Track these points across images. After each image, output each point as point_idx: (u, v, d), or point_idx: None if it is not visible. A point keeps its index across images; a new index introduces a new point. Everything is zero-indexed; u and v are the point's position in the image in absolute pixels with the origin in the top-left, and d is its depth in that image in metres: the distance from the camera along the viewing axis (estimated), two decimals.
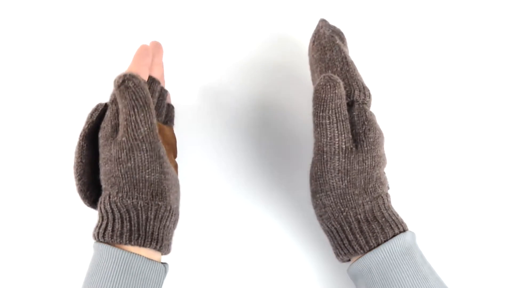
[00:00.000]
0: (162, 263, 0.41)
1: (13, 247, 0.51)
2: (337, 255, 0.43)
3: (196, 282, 0.49)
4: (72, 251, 0.50)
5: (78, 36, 0.58)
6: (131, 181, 0.39)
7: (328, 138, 0.41)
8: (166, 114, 0.49)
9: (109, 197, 0.39)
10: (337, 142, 0.41)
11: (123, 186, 0.39)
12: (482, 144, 0.55)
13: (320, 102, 0.40)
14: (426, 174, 0.53)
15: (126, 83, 0.38)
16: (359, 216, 0.41)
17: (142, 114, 0.38)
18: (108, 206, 0.39)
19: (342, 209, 0.41)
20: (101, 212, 0.40)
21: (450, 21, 0.59)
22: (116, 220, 0.39)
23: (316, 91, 0.40)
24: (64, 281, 0.50)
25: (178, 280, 0.49)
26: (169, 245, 0.42)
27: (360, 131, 0.42)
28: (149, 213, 0.39)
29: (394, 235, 0.40)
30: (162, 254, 0.42)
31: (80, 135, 0.42)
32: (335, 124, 0.41)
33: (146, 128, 0.39)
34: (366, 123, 0.42)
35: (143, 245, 0.39)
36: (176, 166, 0.47)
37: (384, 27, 0.59)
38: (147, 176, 0.39)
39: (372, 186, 0.41)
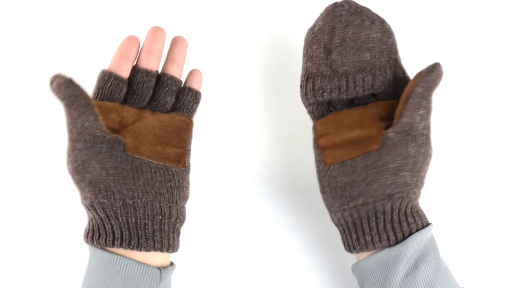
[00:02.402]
0: (160, 267, 0.40)
1: (12, 248, 0.51)
2: (364, 244, 0.41)
3: (197, 284, 0.50)
4: (71, 252, 0.50)
5: (78, 38, 0.57)
6: (75, 182, 0.40)
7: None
8: (175, 102, 0.46)
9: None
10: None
11: (76, 187, 0.40)
12: (483, 145, 0.54)
13: (436, 82, 0.41)
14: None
15: (52, 85, 0.39)
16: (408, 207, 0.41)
17: (70, 114, 0.38)
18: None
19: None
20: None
21: (453, 21, 0.58)
22: (88, 223, 0.40)
23: (437, 68, 0.41)
24: (63, 283, 0.50)
25: (180, 282, 0.49)
26: (147, 239, 0.40)
27: None
28: (99, 212, 0.39)
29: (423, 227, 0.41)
30: (144, 251, 0.40)
31: None
32: None
33: (78, 126, 0.38)
34: None
35: (106, 245, 0.39)
36: (169, 156, 0.44)
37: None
38: (87, 175, 0.39)
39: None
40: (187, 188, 0.44)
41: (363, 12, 0.44)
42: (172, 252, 0.41)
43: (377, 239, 0.40)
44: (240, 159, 0.53)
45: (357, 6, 0.45)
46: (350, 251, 0.43)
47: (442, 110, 0.53)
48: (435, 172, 0.49)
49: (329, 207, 0.44)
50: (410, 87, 0.41)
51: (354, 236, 0.42)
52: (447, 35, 0.57)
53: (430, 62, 0.53)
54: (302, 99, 0.46)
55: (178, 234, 0.42)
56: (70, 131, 0.39)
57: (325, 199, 0.44)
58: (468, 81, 0.55)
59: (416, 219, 0.40)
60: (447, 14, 0.57)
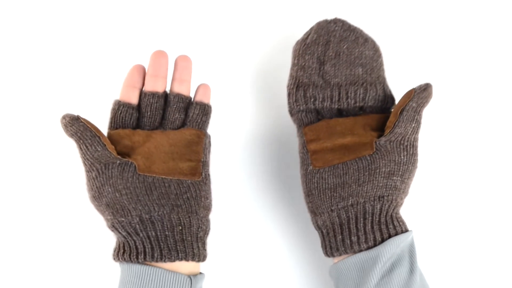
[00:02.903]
0: (190, 275, 0.42)
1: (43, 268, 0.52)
2: (349, 245, 0.42)
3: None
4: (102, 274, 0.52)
5: (81, 41, 0.57)
6: (97, 208, 0.43)
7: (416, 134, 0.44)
8: (185, 118, 0.47)
9: None
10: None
11: (99, 213, 0.44)
12: (479, 146, 0.55)
13: (427, 99, 0.44)
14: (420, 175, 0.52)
15: (61, 126, 0.42)
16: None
17: (81, 148, 0.42)
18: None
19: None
20: None
21: (451, 24, 0.58)
22: (116, 243, 0.43)
23: (430, 87, 0.44)
24: None
25: None
26: (169, 250, 0.41)
27: None
28: (120, 231, 0.42)
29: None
30: (168, 261, 0.41)
31: None
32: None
33: (89, 158, 0.42)
34: None
35: (131, 261, 0.41)
36: (183, 170, 0.45)
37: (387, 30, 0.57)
38: (104, 200, 0.42)
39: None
40: (207, 198, 0.46)
41: (356, 30, 0.47)
42: (199, 261, 0.43)
43: (363, 240, 0.41)
44: (243, 162, 0.54)
45: (349, 25, 0.47)
46: (332, 255, 0.43)
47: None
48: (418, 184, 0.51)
49: (313, 209, 0.45)
50: (402, 101, 0.44)
51: (339, 237, 0.43)
52: (431, 55, 0.57)
53: (409, 79, 0.53)
54: (290, 106, 0.48)
55: (203, 243, 0.44)
56: (84, 163, 0.43)
57: (310, 202, 0.45)
58: (462, 83, 0.56)
59: (400, 223, 0.42)
60: (434, 33, 0.57)
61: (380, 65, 0.48)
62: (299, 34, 0.49)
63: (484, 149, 0.54)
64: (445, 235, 0.52)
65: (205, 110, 0.47)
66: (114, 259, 0.42)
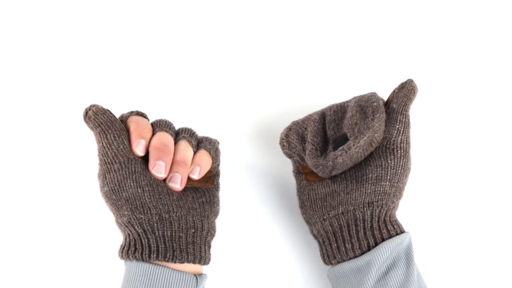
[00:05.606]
0: (195, 275, 0.43)
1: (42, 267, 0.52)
2: (345, 252, 0.43)
3: None
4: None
5: (84, 44, 0.58)
6: (112, 203, 0.42)
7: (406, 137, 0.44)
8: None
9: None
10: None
11: (111, 209, 0.43)
12: (478, 146, 0.55)
13: (409, 96, 0.44)
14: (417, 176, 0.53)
15: (88, 114, 0.42)
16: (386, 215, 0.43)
17: (107, 138, 0.41)
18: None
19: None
20: None
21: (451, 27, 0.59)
22: (124, 240, 0.43)
23: (409, 84, 0.44)
24: None
25: None
26: (181, 251, 0.42)
27: None
28: (136, 228, 0.41)
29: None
30: (178, 262, 0.42)
31: None
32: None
33: (114, 149, 0.41)
34: None
35: (142, 259, 0.41)
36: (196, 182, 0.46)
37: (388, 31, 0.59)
38: (124, 194, 0.41)
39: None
40: (218, 204, 0.47)
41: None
42: (204, 264, 0.43)
43: (357, 246, 0.42)
44: (243, 165, 0.55)
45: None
46: (330, 262, 0.44)
47: (423, 127, 0.55)
48: (413, 185, 0.52)
49: (308, 220, 0.46)
50: (386, 105, 0.45)
51: (334, 245, 0.43)
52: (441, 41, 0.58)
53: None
54: (284, 153, 0.48)
55: (209, 247, 0.45)
56: (105, 154, 0.41)
57: (304, 213, 0.47)
58: (458, 84, 0.57)
59: (395, 227, 0.42)
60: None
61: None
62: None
63: (483, 149, 0.55)
64: (444, 236, 0.52)
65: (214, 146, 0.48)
66: (123, 256, 0.42)
